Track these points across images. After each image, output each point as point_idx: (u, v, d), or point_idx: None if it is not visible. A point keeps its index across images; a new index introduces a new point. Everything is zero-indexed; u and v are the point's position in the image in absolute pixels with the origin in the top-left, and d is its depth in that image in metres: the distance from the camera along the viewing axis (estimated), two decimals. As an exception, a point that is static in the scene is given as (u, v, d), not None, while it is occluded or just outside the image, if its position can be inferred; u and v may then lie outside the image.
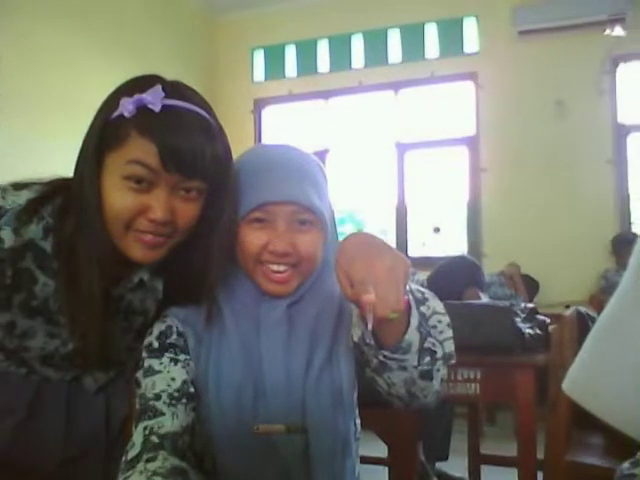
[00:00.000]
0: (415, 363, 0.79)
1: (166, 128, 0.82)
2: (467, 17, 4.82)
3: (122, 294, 1.00)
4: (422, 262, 4.20)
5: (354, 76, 5.09)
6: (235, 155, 0.93)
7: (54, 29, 3.71)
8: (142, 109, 0.83)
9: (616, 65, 4.53)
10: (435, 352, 0.82)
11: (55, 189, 0.94)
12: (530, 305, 2.12)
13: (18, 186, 0.93)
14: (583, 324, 2.10)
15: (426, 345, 0.80)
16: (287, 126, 5.46)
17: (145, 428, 0.81)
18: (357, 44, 5.09)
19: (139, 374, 0.88)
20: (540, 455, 1.78)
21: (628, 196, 4.49)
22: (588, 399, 0.48)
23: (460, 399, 2.13)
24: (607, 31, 4.37)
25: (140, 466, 0.76)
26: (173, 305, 0.94)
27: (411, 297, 0.80)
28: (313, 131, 5.29)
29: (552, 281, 4.37)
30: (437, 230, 4.98)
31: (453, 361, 0.88)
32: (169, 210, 0.85)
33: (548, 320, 2.04)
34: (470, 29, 4.83)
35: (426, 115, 5.06)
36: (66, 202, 0.92)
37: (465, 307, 1.97)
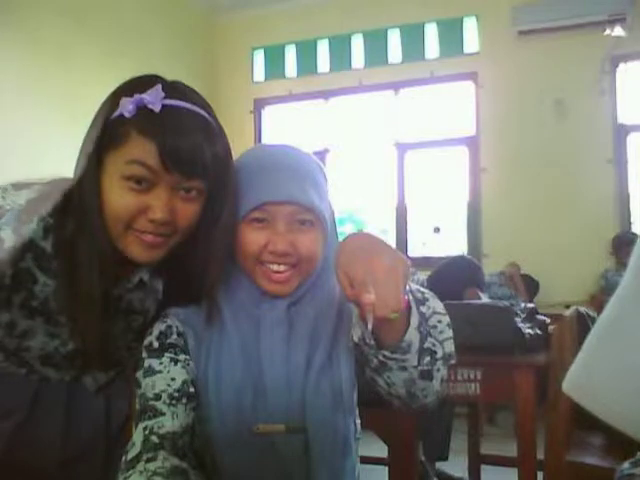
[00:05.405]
0: (415, 363, 0.79)
1: (166, 128, 0.82)
2: (467, 17, 4.82)
3: (122, 294, 1.00)
4: (422, 262, 4.21)
5: (354, 76, 5.09)
6: (235, 155, 0.93)
7: (55, 28, 3.71)
8: (142, 109, 0.83)
9: (616, 65, 4.52)
10: (435, 352, 0.82)
11: (55, 189, 0.94)
12: (530, 305, 2.12)
13: (18, 186, 0.93)
14: (583, 324, 2.10)
15: (426, 345, 0.80)
16: (287, 126, 5.46)
17: (145, 428, 0.81)
18: (357, 44, 5.09)
19: (139, 374, 0.88)
20: (540, 455, 1.78)
21: (628, 196, 4.49)
22: (588, 399, 0.48)
23: (460, 399, 2.13)
24: (607, 31, 4.37)
25: (140, 466, 0.76)
26: (173, 305, 0.94)
27: (411, 297, 0.80)
28: (313, 131, 5.29)
29: (552, 281, 4.36)
30: (437, 230, 4.98)
31: (453, 361, 0.88)
32: (169, 210, 0.85)
33: (548, 320, 2.04)
34: (470, 29, 4.83)
35: (426, 115, 5.06)
36: (66, 202, 0.92)
37: (465, 307, 1.97)
